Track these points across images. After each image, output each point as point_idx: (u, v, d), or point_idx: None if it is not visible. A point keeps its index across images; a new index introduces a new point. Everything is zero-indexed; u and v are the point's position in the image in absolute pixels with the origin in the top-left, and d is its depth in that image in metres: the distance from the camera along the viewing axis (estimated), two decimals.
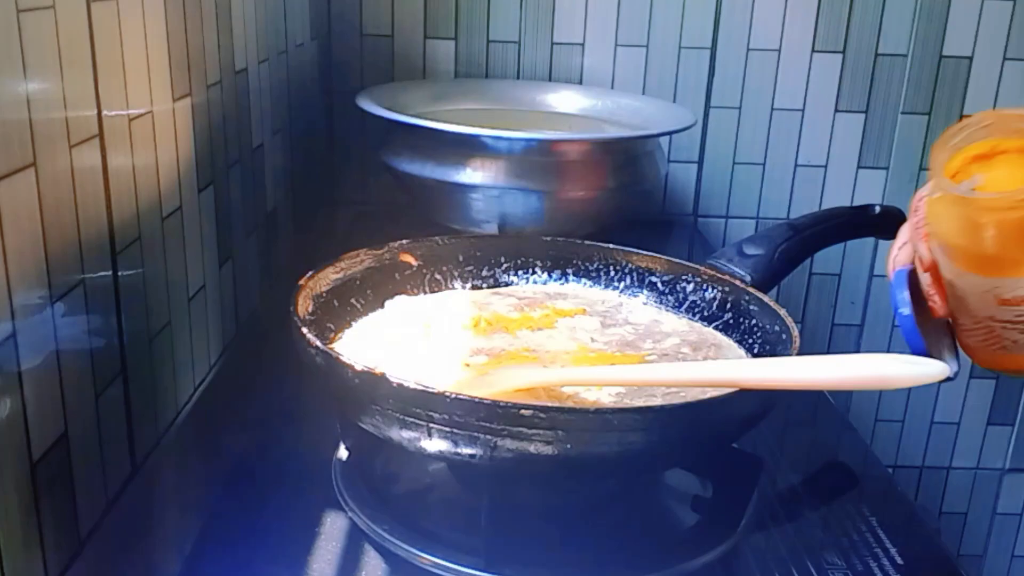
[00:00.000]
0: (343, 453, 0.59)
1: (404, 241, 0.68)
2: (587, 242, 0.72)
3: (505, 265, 0.71)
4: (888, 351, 1.28)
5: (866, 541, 0.55)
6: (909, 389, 1.30)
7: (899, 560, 0.54)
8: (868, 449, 0.70)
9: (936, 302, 0.56)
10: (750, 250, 0.67)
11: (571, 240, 0.73)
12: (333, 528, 0.54)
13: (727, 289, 0.65)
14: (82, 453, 0.50)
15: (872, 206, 0.77)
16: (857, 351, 1.28)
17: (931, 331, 0.57)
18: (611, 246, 0.71)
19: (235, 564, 0.51)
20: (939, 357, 0.57)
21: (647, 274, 0.70)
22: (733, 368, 0.53)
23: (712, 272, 0.67)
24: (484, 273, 0.71)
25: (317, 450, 0.60)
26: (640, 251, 0.71)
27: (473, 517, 0.51)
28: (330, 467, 0.59)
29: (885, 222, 0.78)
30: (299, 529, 0.54)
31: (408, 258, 0.68)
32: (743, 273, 0.66)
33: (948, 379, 0.45)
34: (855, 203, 1.22)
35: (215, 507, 0.57)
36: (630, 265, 0.70)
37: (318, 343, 0.51)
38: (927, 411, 1.32)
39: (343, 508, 0.55)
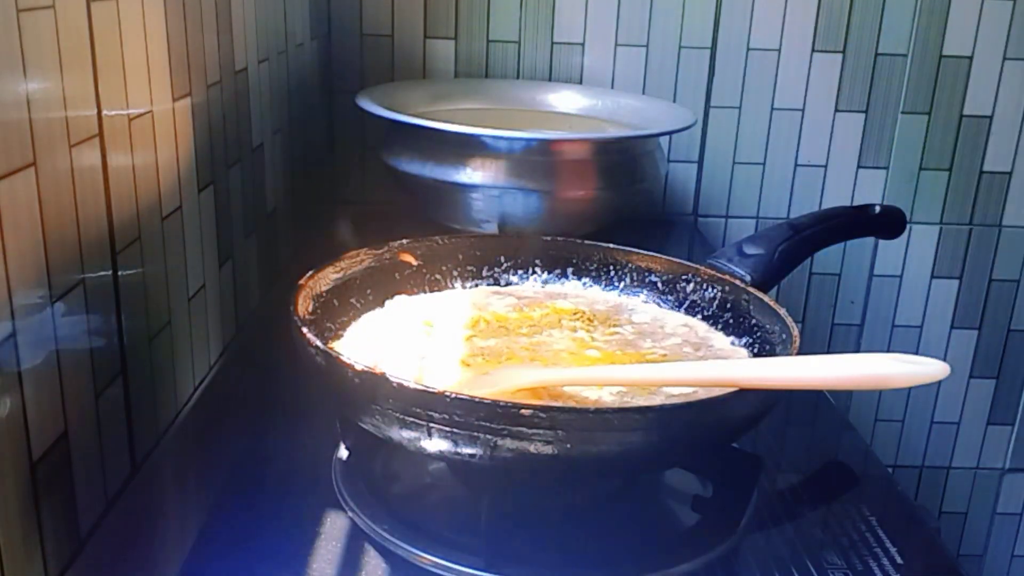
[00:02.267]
0: (343, 453, 0.59)
1: (404, 241, 0.68)
2: (587, 242, 0.72)
3: (505, 265, 0.71)
4: (888, 351, 1.28)
5: (866, 541, 0.55)
6: (909, 389, 1.30)
7: (899, 560, 0.54)
8: (868, 449, 0.70)
9: None
10: (750, 250, 0.67)
11: (571, 240, 0.73)
12: (333, 528, 0.54)
13: (727, 289, 0.65)
14: (82, 453, 0.50)
15: (872, 206, 0.77)
16: (857, 351, 1.28)
17: None
18: (611, 246, 0.71)
19: (235, 564, 0.51)
20: None
21: (647, 274, 0.70)
22: (733, 368, 0.53)
23: (712, 272, 0.67)
24: (484, 273, 0.71)
25: (317, 450, 0.60)
26: (640, 251, 0.71)
27: (473, 517, 0.51)
28: (330, 467, 0.59)
29: (886, 222, 0.78)
30: (299, 529, 0.54)
31: (408, 258, 0.68)
32: (743, 273, 0.66)
33: None
34: (855, 203, 1.22)
35: (215, 507, 0.57)
36: (630, 265, 0.70)
37: (318, 343, 0.51)
38: (927, 411, 1.32)
39: (343, 508, 0.55)
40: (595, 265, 0.71)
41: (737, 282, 0.65)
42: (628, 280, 0.70)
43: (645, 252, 0.70)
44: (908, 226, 1.20)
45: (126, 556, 0.53)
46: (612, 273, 0.71)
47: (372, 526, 0.53)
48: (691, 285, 0.68)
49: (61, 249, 0.47)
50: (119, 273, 0.54)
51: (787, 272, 0.68)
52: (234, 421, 0.67)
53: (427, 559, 0.51)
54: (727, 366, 0.55)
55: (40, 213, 0.45)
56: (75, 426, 0.49)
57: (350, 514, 0.55)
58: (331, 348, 0.51)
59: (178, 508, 0.58)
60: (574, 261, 0.72)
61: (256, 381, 0.73)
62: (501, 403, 0.46)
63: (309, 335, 0.52)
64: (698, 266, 0.68)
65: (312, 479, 0.58)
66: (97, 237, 0.51)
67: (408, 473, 0.60)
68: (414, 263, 0.68)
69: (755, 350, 0.61)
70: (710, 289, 0.66)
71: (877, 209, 0.77)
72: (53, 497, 0.47)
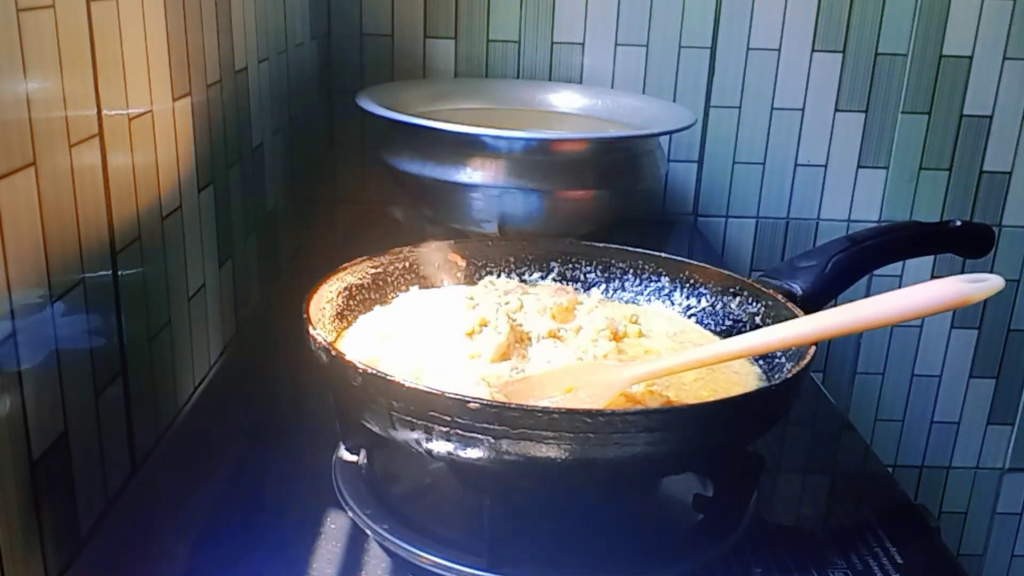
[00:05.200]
0: (343, 453, 0.59)
1: (451, 240, 0.69)
2: (642, 249, 0.70)
3: (558, 270, 0.71)
4: (888, 352, 1.28)
5: (866, 541, 0.55)
6: (909, 387, 1.30)
7: (899, 560, 0.54)
8: (868, 449, 0.70)
9: None
10: (802, 263, 0.65)
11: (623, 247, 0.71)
12: (333, 528, 0.54)
13: (769, 304, 0.62)
14: (82, 453, 0.50)
15: (952, 220, 0.70)
16: (857, 351, 1.28)
17: None
18: (664, 255, 0.69)
19: (235, 564, 0.51)
20: None
21: (697, 286, 0.68)
22: (813, 321, 0.52)
23: (758, 286, 0.64)
24: (528, 278, 0.70)
25: (317, 450, 0.60)
26: (695, 262, 0.68)
27: (474, 517, 0.51)
28: (330, 467, 0.59)
29: (967, 239, 0.72)
30: (299, 529, 0.54)
31: (456, 258, 0.68)
32: (794, 287, 0.63)
33: None
34: (854, 203, 1.22)
35: (215, 507, 0.57)
36: (681, 275, 0.68)
37: (325, 341, 0.51)
38: (927, 411, 1.32)
39: (343, 508, 0.55)
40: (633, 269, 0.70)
41: (779, 297, 0.62)
42: (683, 293, 0.68)
43: (700, 264, 0.68)
44: None
45: (126, 556, 0.52)
46: (645, 277, 0.70)
47: (372, 526, 0.53)
48: (736, 299, 0.65)
49: (61, 249, 0.47)
50: (119, 273, 0.54)
51: (843, 286, 0.65)
52: (234, 421, 0.67)
53: (427, 559, 0.51)
54: (806, 321, 0.53)
55: (40, 213, 0.45)
56: (75, 426, 0.49)
57: (350, 514, 0.55)
58: (334, 346, 0.51)
59: (178, 508, 0.58)
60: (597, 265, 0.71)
61: (256, 381, 0.73)
62: (510, 405, 0.46)
63: (316, 334, 0.52)
64: (745, 279, 0.65)
65: (312, 479, 0.58)
66: (97, 237, 0.51)
67: (408, 473, 0.60)
68: (462, 263, 0.68)
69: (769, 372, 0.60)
70: (754, 304, 0.64)
71: (958, 223, 0.70)
72: (53, 497, 0.47)
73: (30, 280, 0.44)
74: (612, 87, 1.16)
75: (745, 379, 0.58)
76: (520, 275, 0.70)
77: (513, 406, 0.46)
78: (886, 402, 1.31)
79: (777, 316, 0.61)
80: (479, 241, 0.71)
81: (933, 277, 1.25)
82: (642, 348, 0.60)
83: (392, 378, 0.47)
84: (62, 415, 0.48)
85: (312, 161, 1.09)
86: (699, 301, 0.67)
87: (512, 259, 0.70)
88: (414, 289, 0.66)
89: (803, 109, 1.19)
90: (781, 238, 1.23)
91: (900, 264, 1.24)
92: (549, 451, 0.45)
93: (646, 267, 0.69)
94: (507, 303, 0.61)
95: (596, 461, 0.46)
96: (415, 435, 0.48)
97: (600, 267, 0.70)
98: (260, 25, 0.83)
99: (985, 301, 1.27)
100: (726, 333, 0.64)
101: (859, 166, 1.21)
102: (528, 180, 0.88)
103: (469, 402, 0.45)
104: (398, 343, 0.59)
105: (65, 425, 0.48)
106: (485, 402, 0.46)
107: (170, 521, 0.55)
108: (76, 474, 0.50)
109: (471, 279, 0.69)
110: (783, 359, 0.58)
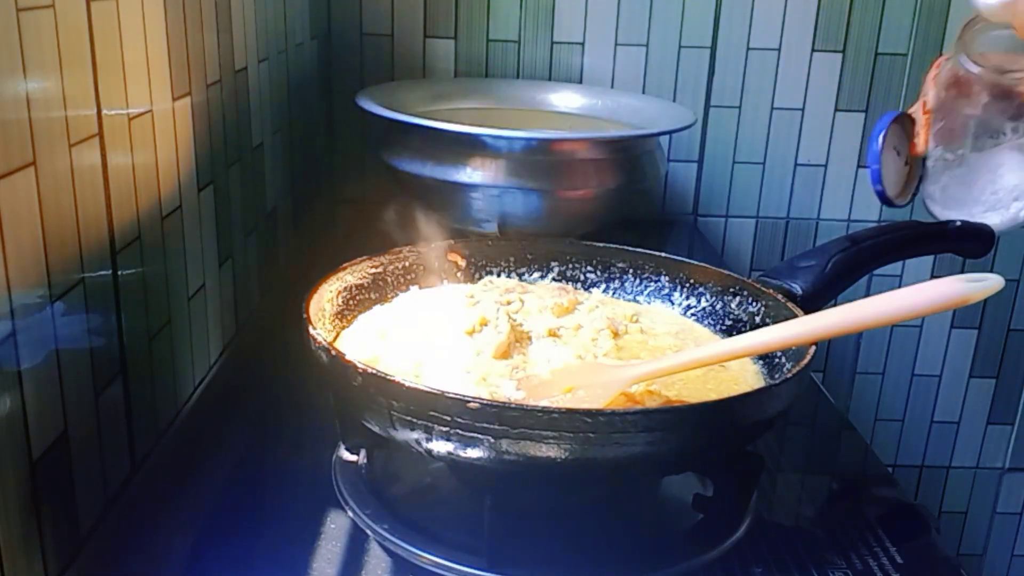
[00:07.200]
0: (343, 453, 0.59)
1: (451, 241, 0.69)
2: (642, 249, 0.70)
3: (558, 269, 0.71)
4: (887, 350, 1.28)
5: (866, 541, 0.55)
6: (909, 387, 1.30)
7: (899, 560, 0.54)
8: (868, 449, 0.70)
9: (921, 139, 0.70)
10: (802, 263, 0.65)
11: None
12: (333, 528, 0.54)
13: (769, 304, 0.63)
14: (82, 452, 0.50)
15: (952, 220, 0.71)
16: (856, 350, 1.29)
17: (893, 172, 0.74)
18: (664, 255, 0.69)
19: (235, 564, 0.51)
20: (896, 196, 0.76)
21: (699, 285, 0.68)
22: (813, 321, 0.52)
23: (757, 286, 0.64)
24: (529, 279, 0.70)
25: (317, 450, 0.60)
26: (695, 262, 0.68)
27: (474, 516, 0.51)
28: (330, 467, 0.59)
29: (965, 238, 0.72)
30: (299, 529, 0.54)
31: (455, 257, 0.68)
32: (794, 286, 0.63)
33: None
34: (854, 203, 1.22)
35: (215, 507, 0.57)
36: (681, 275, 0.68)
37: (325, 341, 0.51)
38: (927, 411, 1.32)
39: (343, 508, 0.55)
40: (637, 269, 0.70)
41: (779, 297, 0.62)
42: (684, 292, 0.68)
43: (699, 263, 0.68)
44: None
45: (126, 556, 0.53)
46: (644, 277, 0.70)
47: (372, 526, 0.53)
48: (736, 299, 0.65)
49: (61, 249, 0.47)
50: (119, 273, 0.54)
51: (843, 286, 0.65)
52: (234, 421, 0.67)
53: (427, 559, 0.51)
54: (808, 321, 0.53)
55: (40, 213, 0.45)
56: (75, 426, 0.49)
57: (350, 514, 0.55)
58: (334, 346, 0.51)
59: (178, 508, 0.58)
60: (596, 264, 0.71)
61: (256, 381, 0.73)
62: (513, 405, 0.46)
63: (316, 334, 0.52)
64: (745, 279, 0.65)
65: (312, 479, 0.58)
66: (97, 237, 0.51)
67: (408, 473, 0.60)
68: (462, 263, 0.68)
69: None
70: (754, 304, 0.64)
71: (958, 223, 0.71)
72: (53, 497, 0.47)
73: (30, 280, 0.44)
74: (612, 87, 1.16)
75: (745, 379, 0.59)
76: (520, 275, 0.70)
77: (513, 406, 0.46)
78: (886, 402, 1.31)
79: (777, 316, 0.61)
80: (479, 241, 0.71)
81: (933, 277, 1.25)
82: (642, 347, 0.60)
83: (392, 378, 0.47)
84: (62, 415, 0.48)
85: (312, 161, 1.09)
86: (699, 301, 0.67)
87: (512, 259, 0.71)
88: (414, 289, 0.66)
89: (803, 109, 1.19)
90: (781, 238, 1.23)
91: (900, 264, 1.24)
92: (549, 451, 0.45)
93: (646, 267, 0.70)
94: (508, 302, 0.61)
95: (596, 461, 0.46)
96: (415, 435, 0.48)
97: (600, 267, 0.70)
98: (260, 25, 0.83)
99: (985, 301, 1.26)
100: (726, 333, 0.64)
101: (859, 166, 1.21)
102: (528, 180, 0.88)
103: (469, 402, 0.45)
104: (398, 342, 0.59)
105: (65, 425, 0.48)
106: (485, 402, 0.46)
107: (170, 521, 0.55)
108: (76, 474, 0.50)
109: (471, 279, 0.69)
110: (783, 359, 0.58)
